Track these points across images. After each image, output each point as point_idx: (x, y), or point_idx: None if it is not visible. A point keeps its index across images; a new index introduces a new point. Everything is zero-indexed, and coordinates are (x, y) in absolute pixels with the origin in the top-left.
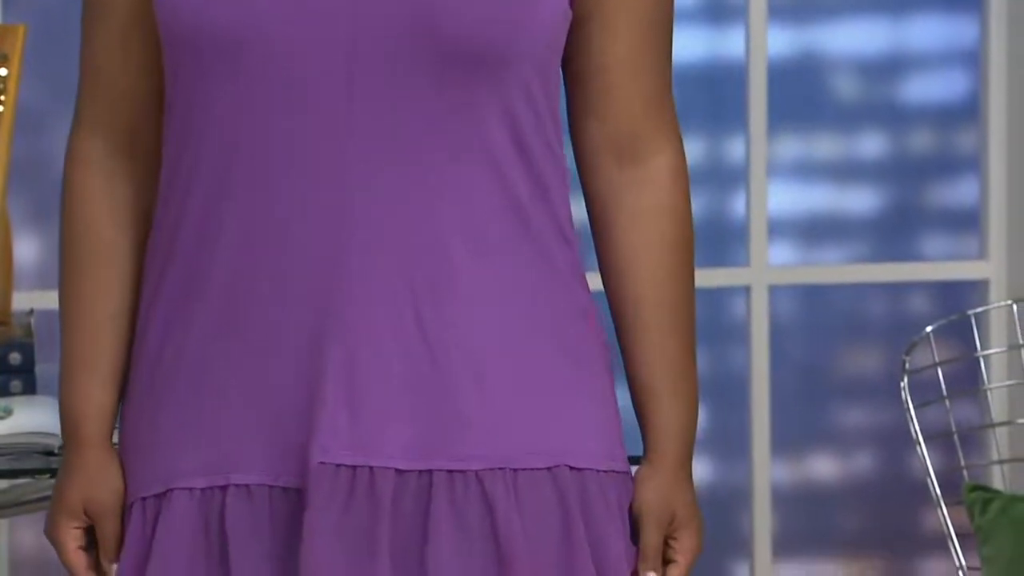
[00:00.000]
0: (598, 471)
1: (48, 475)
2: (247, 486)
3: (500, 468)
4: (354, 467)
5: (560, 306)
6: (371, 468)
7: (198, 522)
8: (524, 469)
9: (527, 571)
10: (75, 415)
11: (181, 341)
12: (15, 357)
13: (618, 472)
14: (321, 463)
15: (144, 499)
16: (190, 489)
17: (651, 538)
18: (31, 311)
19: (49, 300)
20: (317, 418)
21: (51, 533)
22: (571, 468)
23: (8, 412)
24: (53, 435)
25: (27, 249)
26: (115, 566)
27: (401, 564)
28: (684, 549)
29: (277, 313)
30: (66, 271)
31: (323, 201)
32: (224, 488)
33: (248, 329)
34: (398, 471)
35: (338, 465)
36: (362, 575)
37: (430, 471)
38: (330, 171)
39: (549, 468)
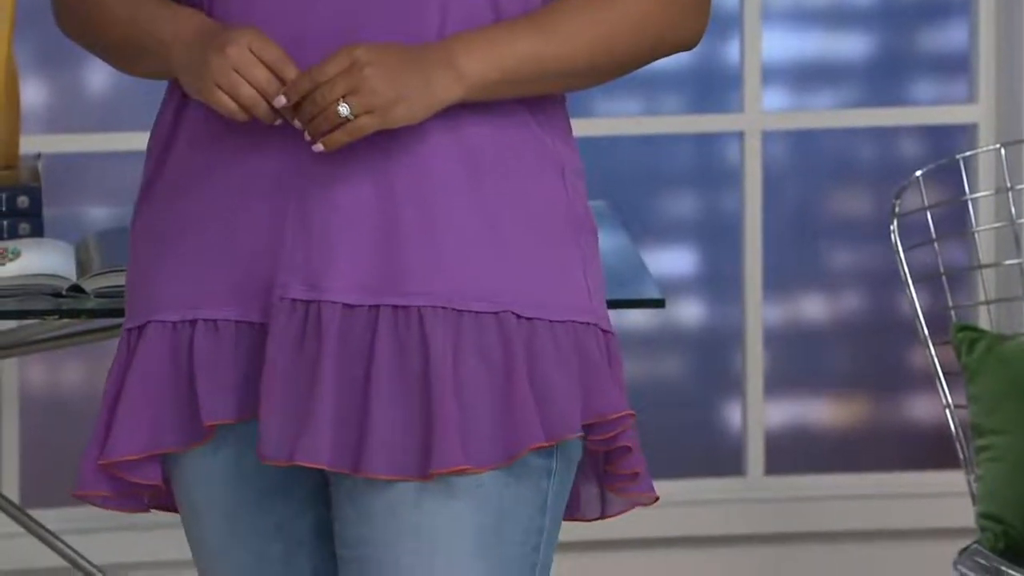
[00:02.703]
0: (551, 321)
1: (56, 316)
2: (214, 321)
3: (443, 307)
4: (308, 302)
5: (528, 161)
6: (320, 303)
7: (169, 353)
8: (468, 312)
9: (453, 410)
10: (171, 29)
11: (171, 180)
12: (23, 200)
13: (579, 323)
14: (280, 298)
15: (129, 330)
16: (163, 322)
17: (326, 62)
18: (39, 155)
19: (56, 144)
20: (278, 257)
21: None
22: (518, 316)
23: (16, 254)
24: (61, 277)
25: (34, 93)
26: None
27: (346, 396)
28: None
29: (248, 158)
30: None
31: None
32: (194, 322)
33: (224, 171)
34: (347, 306)
35: (294, 300)
36: (307, 405)
37: (377, 307)
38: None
39: (495, 313)
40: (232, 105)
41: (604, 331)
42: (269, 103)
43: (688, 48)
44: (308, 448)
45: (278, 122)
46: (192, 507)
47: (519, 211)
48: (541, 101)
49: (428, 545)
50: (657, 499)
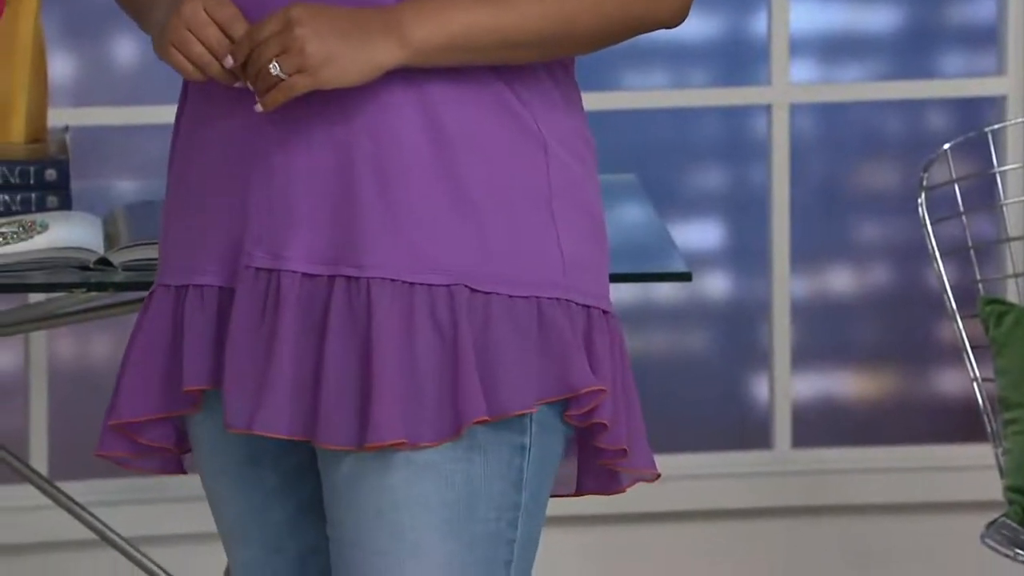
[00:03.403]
0: (511, 296)
1: (84, 289)
2: (202, 286)
3: (392, 280)
4: (269, 271)
5: (497, 133)
6: (280, 272)
7: (169, 317)
8: (421, 284)
9: (393, 384)
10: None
11: (179, 147)
12: (51, 173)
13: (547, 298)
14: (245, 267)
15: (149, 294)
16: (167, 286)
17: (263, 22)
18: (67, 128)
19: (84, 117)
20: (246, 226)
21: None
22: (473, 290)
23: (44, 227)
24: (89, 250)
25: (62, 66)
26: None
27: (303, 366)
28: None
29: (224, 122)
30: None
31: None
32: (187, 287)
33: (208, 135)
34: (307, 276)
35: (257, 269)
36: (266, 374)
37: (334, 277)
38: None
39: (448, 286)
40: (187, 65)
41: (585, 306)
42: (222, 63)
43: (668, 26)
44: (265, 418)
45: (238, 84)
46: (201, 470)
47: (484, 183)
48: (521, 72)
49: (394, 524)
50: (659, 476)
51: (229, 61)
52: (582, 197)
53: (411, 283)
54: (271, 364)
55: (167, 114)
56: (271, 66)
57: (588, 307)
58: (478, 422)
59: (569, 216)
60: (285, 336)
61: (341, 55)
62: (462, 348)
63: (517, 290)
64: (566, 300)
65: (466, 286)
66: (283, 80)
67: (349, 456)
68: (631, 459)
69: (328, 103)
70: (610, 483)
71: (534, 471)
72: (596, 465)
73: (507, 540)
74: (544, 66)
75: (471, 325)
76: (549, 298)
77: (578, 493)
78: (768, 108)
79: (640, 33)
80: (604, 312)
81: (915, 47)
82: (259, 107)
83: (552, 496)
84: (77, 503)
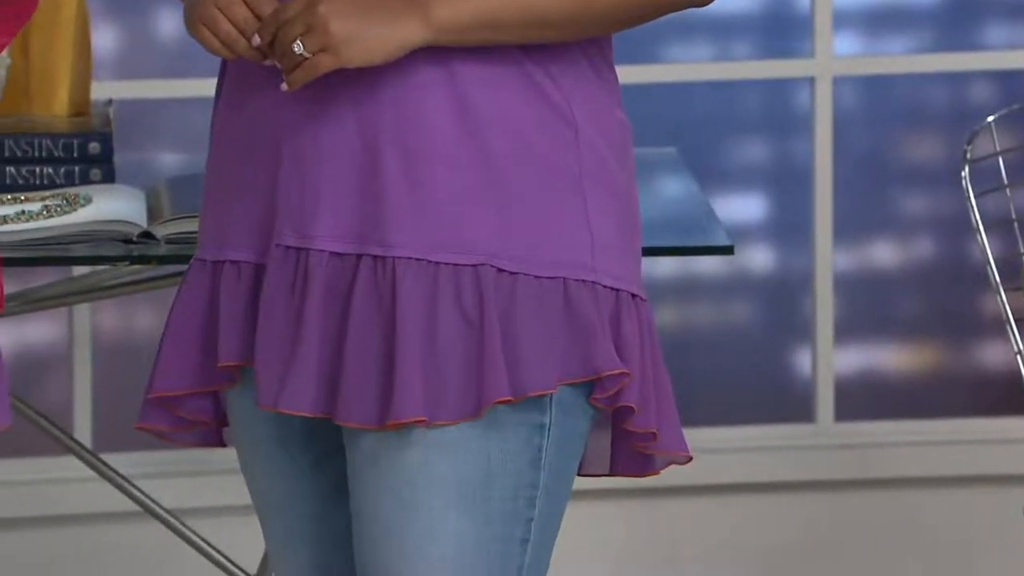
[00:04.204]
0: (537, 277)
1: (127, 262)
2: (237, 262)
3: (417, 259)
4: (298, 249)
5: (524, 112)
6: (308, 251)
7: (205, 289)
8: (446, 264)
9: (415, 362)
10: None
11: (216, 121)
12: (95, 147)
13: (573, 279)
14: (276, 245)
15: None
16: (203, 261)
17: (290, 2)
18: (110, 101)
19: (128, 90)
20: (276, 204)
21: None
22: (499, 270)
23: (88, 200)
24: (132, 223)
25: (106, 39)
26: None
27: (329, 344)
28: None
29: (257, 100)
30: None
31: None
32: (224, 263)
33: (243, 112)
34: (334, 254)
35: (287, 247)
36: (293, 352)
37: (360, 256)
38: None
39: (474, 266)
40: (215, 42)
41: (614, 289)
42: (249, 42)
43: (697, 5)
44: (290, 396)
45: (267, 62)
46: (236, 444)
47: (511, 163)
48: (552, 52)
49: (410, 501)
50: (691, 459)
51: (256, 40)
52: (613, 179)
53: (436, 263)
54: (297, 343)
55: (210, 87)
56: (295, 45)
57: (617, 290)
58: (500, 402)
59: (599, 198)
60: (312, 314)
61: (364, 34)
62: (488, 329)
63: (544, 271)
64: (593, 282)
65: (492, 266)
66: (307, 59)
67: (369, 434)
68: (661, 442)
69: (355, 82)
70: (644, 465)
71: (554, 451)
72: (628, 447)
73: (525, 519)
74: (578, 46)
75: (497, 305)
76: (576, 279)
77: (612, 474)
78: (811, 81)
79: (670, 12)
80: (633, 295)
81: (959, 19)
82: (284, 86)
83: (587, 475)
84: (121, 475)
